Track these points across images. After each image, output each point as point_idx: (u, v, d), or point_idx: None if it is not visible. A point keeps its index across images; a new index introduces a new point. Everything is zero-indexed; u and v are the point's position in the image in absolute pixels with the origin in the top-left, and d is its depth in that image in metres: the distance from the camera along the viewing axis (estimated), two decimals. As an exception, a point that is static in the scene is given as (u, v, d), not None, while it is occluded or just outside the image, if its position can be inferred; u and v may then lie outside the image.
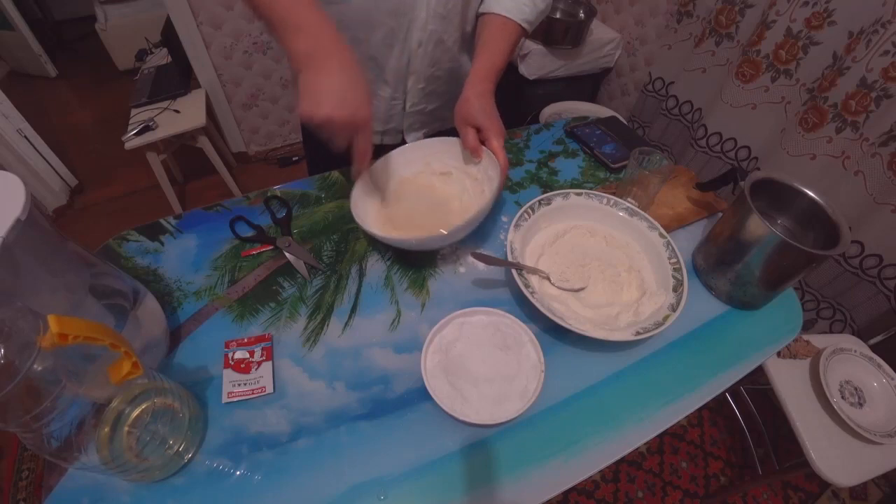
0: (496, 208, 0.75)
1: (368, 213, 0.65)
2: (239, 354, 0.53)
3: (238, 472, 0.46)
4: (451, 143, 0.69)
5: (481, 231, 0.71)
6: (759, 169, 1.42)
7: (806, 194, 0.63)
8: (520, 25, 0.68)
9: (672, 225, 0.73)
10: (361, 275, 0.64)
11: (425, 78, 0.76)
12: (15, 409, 0.31)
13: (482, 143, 0.65)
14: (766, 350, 0.61)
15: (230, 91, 2.03)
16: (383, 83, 0.76)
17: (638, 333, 0.53)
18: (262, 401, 0.51)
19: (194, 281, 0.62)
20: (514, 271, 0.58)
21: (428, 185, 0.71)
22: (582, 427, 0.51)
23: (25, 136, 1.88)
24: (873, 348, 1.11)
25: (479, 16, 0.72)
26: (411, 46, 0.71)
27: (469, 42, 0.77)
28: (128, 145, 1.63)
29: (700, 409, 0.68)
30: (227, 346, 0.54)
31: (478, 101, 0.64)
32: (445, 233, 0.57)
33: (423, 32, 0.69)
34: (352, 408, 0.51)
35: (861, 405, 1.02)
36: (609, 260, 0.65)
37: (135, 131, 1.64)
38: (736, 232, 0.61)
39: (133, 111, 1.75)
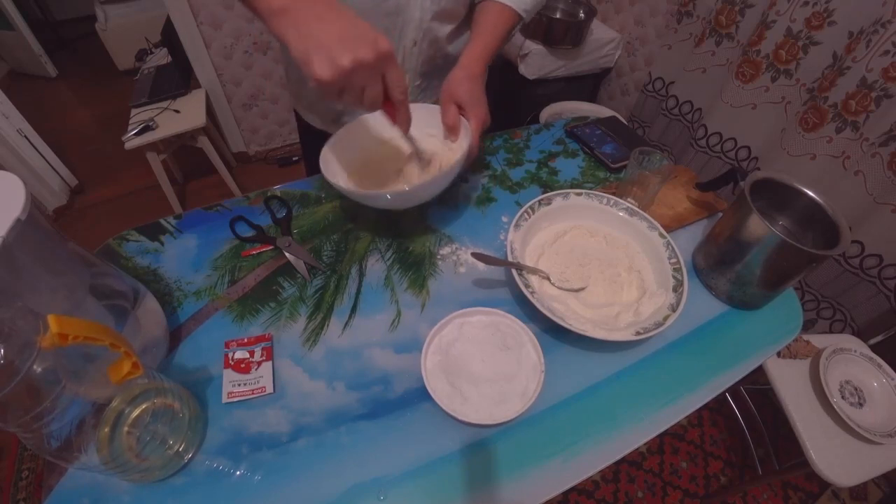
0: (495, 208, 0.75)
1: (339, 173, 0.65)
2: (239, 354, 0.53)
3: (238, 472, 0.46)
4: (429, 109, 0.68)
5: (481, 231, 0.71)
6: (759, 169, 1.42)
7: (806, 194, 0.63)
8: (517, 13, 0.68)
9: (672, 225, 0.73)
10: (361, 275, 0.64)
11: (420, 75, 0.77)
12: (15, 409, 0.31)
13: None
14: (766, 350, 0.61)
15: (230, 91, 2.04)
16: None
17: (638, 333, 0.53)
18: (262, 401, 0.51)
19: (194, 281, 0.62)
20: (514, 271, 0.58)
21: (400, 149, 0.70)
22: (582, 427, 0.51)
23: (25, 136, 1.88)
24: (873, 348, 1.11)
25: (476, 2, 0.72)
26: (405, 45, 0.71)
27: (460, 34, 0.77)
28: (128, 145, 1.64)
29: (700, 410, 0.68)
30: (227, 346, 0.54)
31: (468, 82, 0.64)
32: (408, 188, 0.57)
33: (418, 32, 0.70)
34: (352, 408, 0.51)
35: (861, 405, 1.02)
36: (609, 260, 0.65)
37: (135, 131, 1.64)
38: (736, 232, 0.61)
39: (133, 111, 1.75)
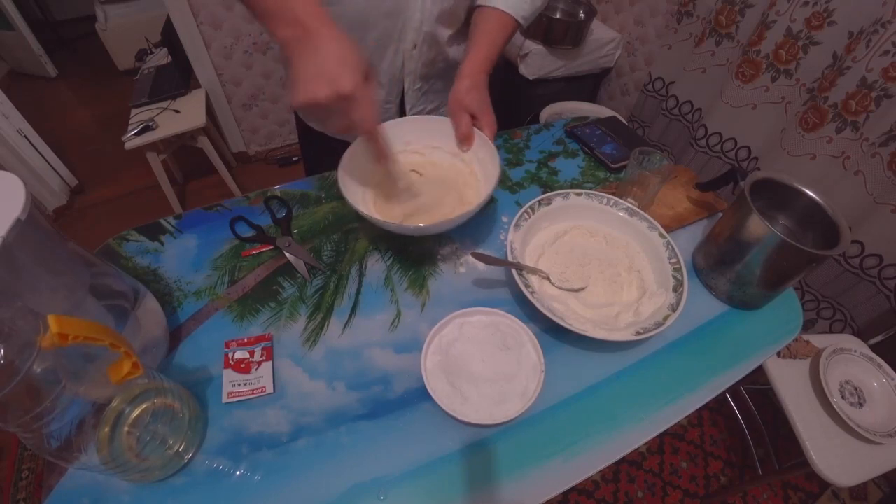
0: (495, 208, 0.75)
1: (357, 190, 0.63)
2: (239, 354, 0.53)
3: (238, 472, 0.46)
4: (432, 121, 0.68)
5: (481, 231, 0.71)
6: (759, 169, 1.42)
7: (806, 194, 0.63)
8: (516, 21, 0.68)
9: (672, 225, 0.73)
10: (361, 275, 0.64)
11: (421, 78, 0.77)
12: (15, 409, 0.31)
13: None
14: (766, 350, 0.61)
15: (230, 91, 2.03)
16: (377, 86, 0.76)
17: (638, 333, 0.53)
18: (262, 401, 0.51)
19: (194, 281, 0.62)
20: (514, 271, 0.58)
21: (416, 164, 0.68)
22: (582, 427, 0.51)
23: (25, 136, 1.88)
24: (873, 348, 1.11)
25: (475, 7, 0.71)
26: (405, 48, 0.71)
27: (461, 38, 0.76)
28: (128, 145, 1.64)
29: (700, 409, 0.68)
30: (227, 346, 0.54)
31: (474, 90, 0.63)
32: (443, 220, 0.56)
33: (418, 34, 0.69)
34: (352, 408, 0.51)
35: (861, 405, 1.02)
36: (609, 260, 0.65)
37: (135, 131, 1.64)
38: (736, 232, 0.61)
39: (133, 111, 1.75)
